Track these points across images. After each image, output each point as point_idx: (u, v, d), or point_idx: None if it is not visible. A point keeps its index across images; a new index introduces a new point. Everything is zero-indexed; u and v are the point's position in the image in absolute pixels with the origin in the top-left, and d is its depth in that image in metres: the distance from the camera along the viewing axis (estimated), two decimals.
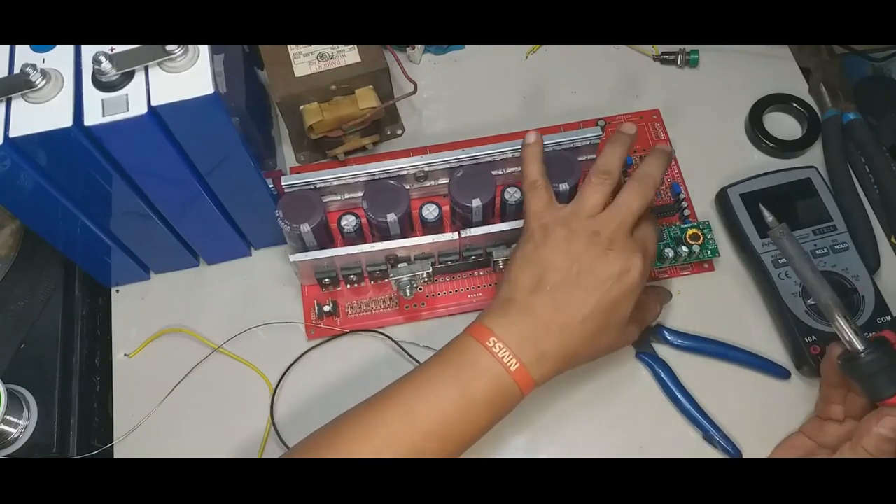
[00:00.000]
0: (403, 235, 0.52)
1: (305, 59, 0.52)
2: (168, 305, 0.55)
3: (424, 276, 0.50)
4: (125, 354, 0.53)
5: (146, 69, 0.39)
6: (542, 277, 0.42)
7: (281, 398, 0.52)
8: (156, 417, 0.51)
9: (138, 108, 0.38)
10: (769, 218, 0.45)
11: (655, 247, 0.46)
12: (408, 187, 0.53)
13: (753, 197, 0.55)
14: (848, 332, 0.41)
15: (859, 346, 0.41)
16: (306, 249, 0.51)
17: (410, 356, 0.52)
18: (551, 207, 0.45)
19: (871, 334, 0.50)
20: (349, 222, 0.52)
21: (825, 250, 0.53)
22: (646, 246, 0.44)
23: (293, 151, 0.59)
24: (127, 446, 0.51)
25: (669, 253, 0.53)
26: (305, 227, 0.49)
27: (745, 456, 0.49)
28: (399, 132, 0.60)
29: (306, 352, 0.53)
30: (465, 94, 0.62)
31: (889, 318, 0.51)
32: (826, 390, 0.45)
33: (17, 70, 0.40)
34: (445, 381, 0.41)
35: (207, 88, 0.39)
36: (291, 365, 0.52)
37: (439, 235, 0.50)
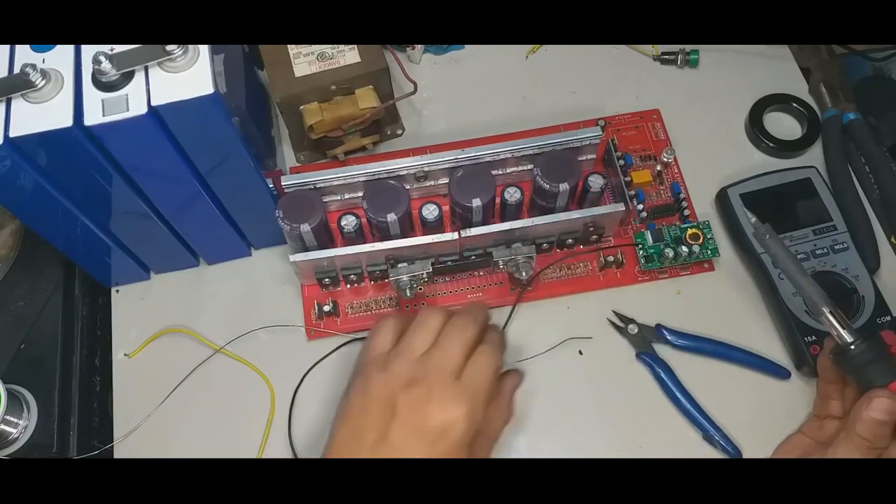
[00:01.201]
0: (403, 235, 0.52)
1: (305, 59, 0.52)
2: (168, 305, 0.55)
3: (424, 276, 0.50)
4: (125, 354, 0.53)
5: (146, 69, 0.39)
6: (359, 434, 0.39)
7: (283, 398, 0.52)
8: (156, 417, 0.51)
9: (138, 108, 0.38)
10: (752, 219, 0.47)
11: (490, 378, 0.40)
12: (408, 187, 0.53)
13: (753, 197, 0.55)
14: (836, 326, 0.42)
15: (848, 339, 0.42)
16: (306, 249, 0.51)
17: None
18: (384, 347, 0.41)
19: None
20: (349, 222, 0.52)
21: (825, 250, 0.53)
22: (476, 388, 0.39)
23: (293, 151, 0.59)
24: (127, 446, 0.51)
25: (669, 253, 0.53)
26: (305, 227, 0.49)
27: (745, 456, 0.49)
28: (399, 132, 0.60)
29: (314, 365, 0.53)
30: (465, 94, 0.62)
31: (889, 318, 0.51)
32: (823, 387, 0.46)
33: (17, 70, 0.39)
34: None
35: (207, 88, 0.39)
36: (304, 376, 0.52)
37: (439, 235, 0.50)
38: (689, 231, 0.54)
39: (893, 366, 0.41)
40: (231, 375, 0.52)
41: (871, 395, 0.40)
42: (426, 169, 0.52)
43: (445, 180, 0.53)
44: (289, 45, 0.53)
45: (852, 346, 0.41)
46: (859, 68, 0.66)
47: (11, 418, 0.47)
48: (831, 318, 0.42)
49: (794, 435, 0.48)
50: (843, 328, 0.42)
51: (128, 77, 0.39)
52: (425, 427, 0.38)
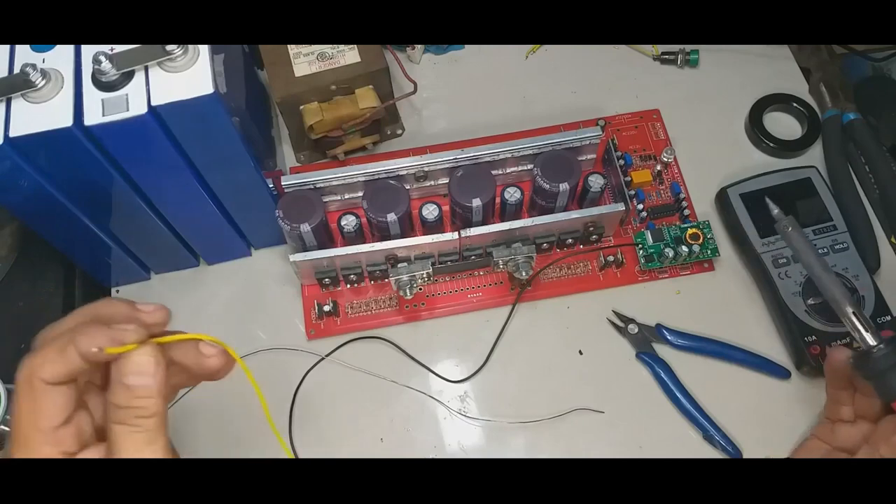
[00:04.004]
0: (403, 235, 0.52)
1: (305, 59, 0.52)
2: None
3: (424, 275, 0.50)
4: None
5: (146, 69, 0.39)
6: None
7: (283, 399, 0.52)
8: None
9: (138, 108, 0.38)
10: (775, 210, 0.45)
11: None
12: (408, 187, 0.53)
13: (753, 197, 0.55)
14: (860, 328, 0.40)
15: (871, 342, 0.40)
16: (306, 249, 0.51)
17: (413, 359, 0.53)
18: None
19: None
20: (349, 222, 0.52)
21: (825, 250, 0.53)
22: None
23: (293, 151, 0.59)
24: None
25: (669, 253, 0.53)
26: (305, 227, 0.49)
27: (745, 456, 0.49)
28: (399, 132, 0.60)
29: (314, 364, 0.53)
30: (465, 94, 0.62)
31: (889, 317, 0.51)
32: (833, 392, 0.44)
33: (17, 70, 0.40)
34: None
35: (207, 88, 0.39)
36: (304, 376, 0.52)
37: (439, 235, 0.50)
38: (689, 231, 0.54)
39: None
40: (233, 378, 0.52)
41: None
42: (426, 169, 0.52)
43: (445, 180, 0.53)
44: (289, 45, 0.53)
45: (875, 350, 0.39)
46: (859, 68, 0.66)
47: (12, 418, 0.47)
48: (854, 319, 0.40)
49: (809, 440, 0.46)
50: (867, 331, 0.40)
51: (128, 77, 0.39)
52: None
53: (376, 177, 0.51)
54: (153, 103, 0.39)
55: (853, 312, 0.41)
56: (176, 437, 0.51)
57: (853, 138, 0.58)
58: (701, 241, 0.53)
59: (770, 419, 0.50)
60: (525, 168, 0.54)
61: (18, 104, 0.39)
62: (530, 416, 0.50)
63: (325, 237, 0.52)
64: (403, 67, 0.55)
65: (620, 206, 0.51)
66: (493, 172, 0.52)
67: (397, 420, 0.51)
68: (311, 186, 0.51)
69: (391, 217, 0.50)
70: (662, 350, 0.52)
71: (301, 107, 0.53)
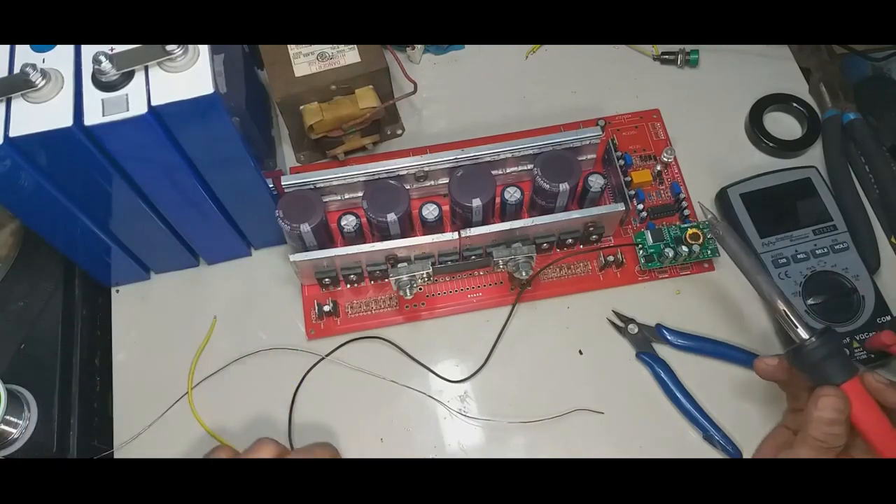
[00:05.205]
0: (403, 235, 0.52)
1: (305, 59, 0.52)
2: (168, 305, 0.55)
3: (424, 275, 0.50)
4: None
5: (146, 69, 0.39)
6: None
7: (283, 398, 0.52)
8: (158, 419, 0.51)
9: (138, 108, 0.38)
10: (709, 215, 0.46)
11: None
12: (408, 187, 0.53)
13: (753, 197, 0.55)
14: (792, 322, 0.41)
15: (804, 335, 0.41)
16: (306, 249, 0.51)
17: (413, 359, 0.53)
18: None
19: (870, 334, 0.50)
20: (349, 222, 0.52)
21: (825, 250, 0.53)
22: None
23: (293, 151, 0.59)
24: (127, 448, 0.50)
25: (669, 253, 0.53)
26: (305, 227, 0.49)
27: (745, 456, 0.49)
28: (399, 132, 0.60)
29: (314, 364, 0.53)
30: (465, 94, 0.63)
31: (889, 317, 0.51)
32: (784, 387, 0.45)
33: (17, 70, 0.40)
34: None
35: (207, 88, 0.39)
36: (304, 376, 0.52)
37: (439, 235, 0.50)
38: (690, 231, 0.54)
39: (850, 363, 0.40)
40: (234, 378, 0.52)
41: (819, 393, 0.39)
42: (426, 169, 0.52)
43: (445, 180, 0.53)
44: (289, 45, 0.53)
45: (807, 344, 0.40)
46: (859, 68, 0.66)
47: (11, 418, 0.47)
48: (787, 314, 0.41)
49: (778, 427, 0.46)
50: (798, 325, 0.41)
51: (128, 77, 0.39)
52: None
53: (376, 177, 0.51)
54: (153, 103, 0.39)
55: (784, 310, 0.42)
56: (170, 440, 0.51)
57: (853, 138, 0.58)
58: (701, 241, 0.53)
59: (770, 419, 0.49)
60: (525, 168, 0.54)
61: (18, 104, 0.39)
62: (530, 416, 0.50)
63: (325, 237, 0.52)
64: (403, 67, 0.55)
65: (620, 206, 0.51)
66: (493, 172, 0.52)
67: (397, 420, 0.51)
68: (311, 186, 0.51)
69: (391, 217, 0.50)
70: (662, 350, 0.52)
71: (301, 107, 0.53)
